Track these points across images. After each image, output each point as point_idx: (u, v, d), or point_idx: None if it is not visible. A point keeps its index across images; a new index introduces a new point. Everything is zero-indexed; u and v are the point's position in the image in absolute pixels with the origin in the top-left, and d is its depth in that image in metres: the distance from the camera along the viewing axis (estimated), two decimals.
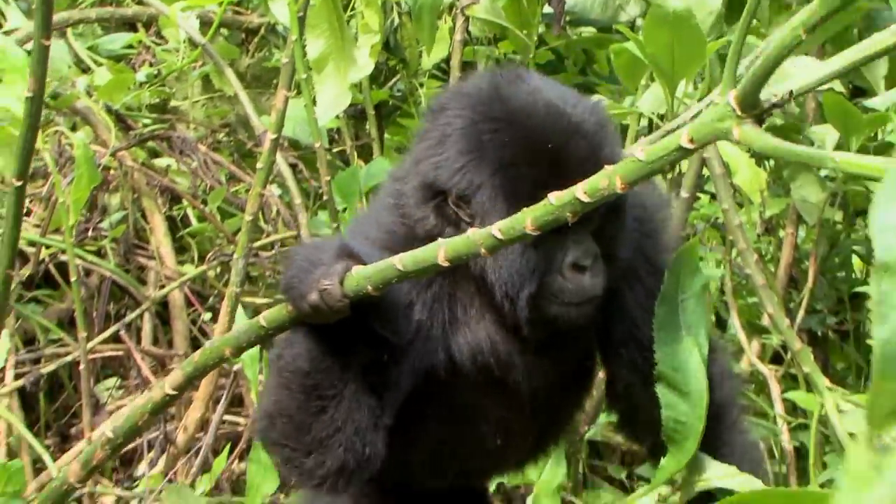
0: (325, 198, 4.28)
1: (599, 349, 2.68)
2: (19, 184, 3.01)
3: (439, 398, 2.49)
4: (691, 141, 1.82)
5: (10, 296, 4.36)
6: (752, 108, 1.78)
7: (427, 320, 2.42)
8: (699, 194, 5.09)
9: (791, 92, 1.75)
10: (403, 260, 2.15)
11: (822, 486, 4.11)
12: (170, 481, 4.33)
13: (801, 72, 1.76)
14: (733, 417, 2.76)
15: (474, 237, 2.08)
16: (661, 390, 2.56)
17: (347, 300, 2.15)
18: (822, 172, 4.65)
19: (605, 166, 2.04)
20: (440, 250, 2.11)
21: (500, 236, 2.05)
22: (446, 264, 2.11)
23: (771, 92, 1.76)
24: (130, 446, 4.72)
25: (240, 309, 3.97)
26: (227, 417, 4.63)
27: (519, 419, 2.65)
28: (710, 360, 2.61)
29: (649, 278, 2.61)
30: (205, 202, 5.06)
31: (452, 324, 2.47)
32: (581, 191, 1.94)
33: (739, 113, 1.77)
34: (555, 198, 1.98)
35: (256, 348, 3.86)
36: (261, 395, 2.48)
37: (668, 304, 2.58)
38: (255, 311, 4.73)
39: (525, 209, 2.02)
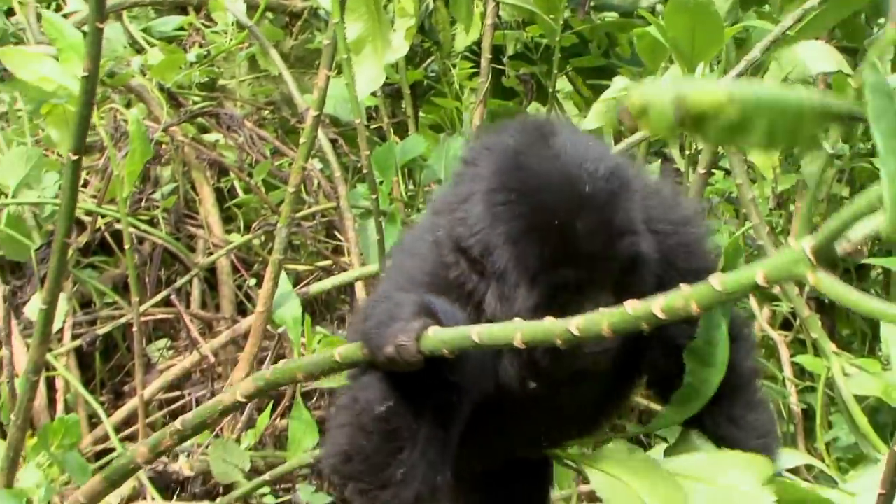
0: (363, 171, 4.31)
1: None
2: (75, 158, 3.05)
3: (484, 408, 2.46)
4: (766, 280, 1.84)
5: (68, 262, 4.45)
6: (826, 258, 1.79)
7: (482, 353, 2.37)
8: (714, 170, 5.13)
9: (864, 244, 1.79)
10: (480, 333, 2.16)
11: (827, 445, 4.18)
12: (216, 436, 4.40)
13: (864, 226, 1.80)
14: (752, 391, 2.79)
15: (551, 327, 2.09)
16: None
17: (422, 356, 2.17)
18: (830, 150, 4.69)
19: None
20: (517, 333, 2.12)
21: (576, 333, 2.05)
22: (522, 346, 2.11)
23: (842, 246, 1.78)
24: (179, 403, 4.79)
25: (283, 275, 4.01)
26: None
27: (564, 417, 2.68)
28: (737, 335, 2.65)
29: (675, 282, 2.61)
30: (250, 175, 5.10)
31: (499, 352, 2.46)
32: (658, 307, 1.95)
33: (814, 262, 1.78)
34: (632, 308, 1.99)
35: (300, 312, 3.92)
36: (331, 432, 2.49)
37: None
38: (297, 277, 4.78)
39: (600, 314, 2.02)
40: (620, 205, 2.33)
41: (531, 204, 2.29)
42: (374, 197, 4.32)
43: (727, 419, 2.70)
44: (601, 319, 2.01)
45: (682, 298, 1.93)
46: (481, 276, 2.38)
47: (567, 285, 2.28)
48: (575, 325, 2.04)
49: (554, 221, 2.29)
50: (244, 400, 2.61)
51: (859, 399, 3.96)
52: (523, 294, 2.32)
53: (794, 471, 3.85)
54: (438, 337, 2.17)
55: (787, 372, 4.53)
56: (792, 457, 3.93)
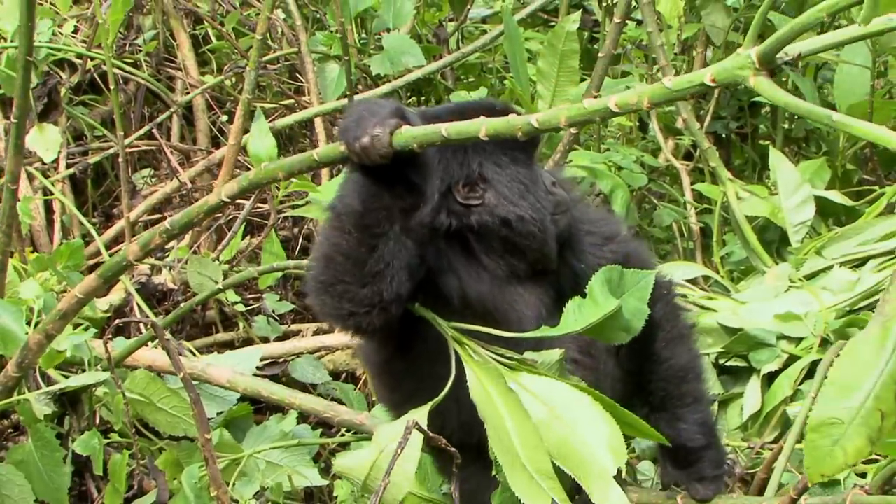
0: (322, 21, 4.24)
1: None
2: None
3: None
4: (713, 80, 1.89)
5: (61, 99, 4.41)
6: (768, 64, 1.85)
7: (443, 252, 2.48)
8: (628, 20, 5.03)
9: (800, 55, 1.85)
10: (448, 128, 2.17)
11: (721, 258, 4.14)
12: (194, 253, 4.32)
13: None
14: (668, 332, 2.70)
15: (514, 122, 2.11)
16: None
17: (392, 149, 2.18)
18: (729, 2, 4.61)
19: None
20: (482, 127, 2.14)
21: (536, 125, 2.07)
22: (486, 139, 2.14)
23: (784, 53, 1.84)
24: (162, 224, 4.72)
25: (261, 115, 3.88)
26: (241, 201, 4.61)
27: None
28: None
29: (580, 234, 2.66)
30: (222, 23, 5.02)
31: (459, 269, 2.50)
32: (613, 102, 1.97)
33: (757, 66, 1.84)
34: (588, 103, 2.01)
35: (275, 152, 3.78)
36: (314, 252, 2.43)
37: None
38: (264, 113, 4.70)
39: (559, 108, 2.06)
40: None
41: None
42: (330, 46, 4.22)
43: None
44: (558, 115, 2.04)
45: (635, 95, 1.95)
46: (460, 219, 2.50)
47: None
48: (535, 119, 2.07)
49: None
50: (228, 200, 2.54)
51: (750, 219, 3.93)
52: None
53: (693, 281, 3.83)
54: (411, 133, 2.19)
55: (688, 196, 4.49)
56: (692, 269, 3.92)
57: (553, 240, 2.54)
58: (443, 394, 2.38)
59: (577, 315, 2.37)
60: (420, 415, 2.40)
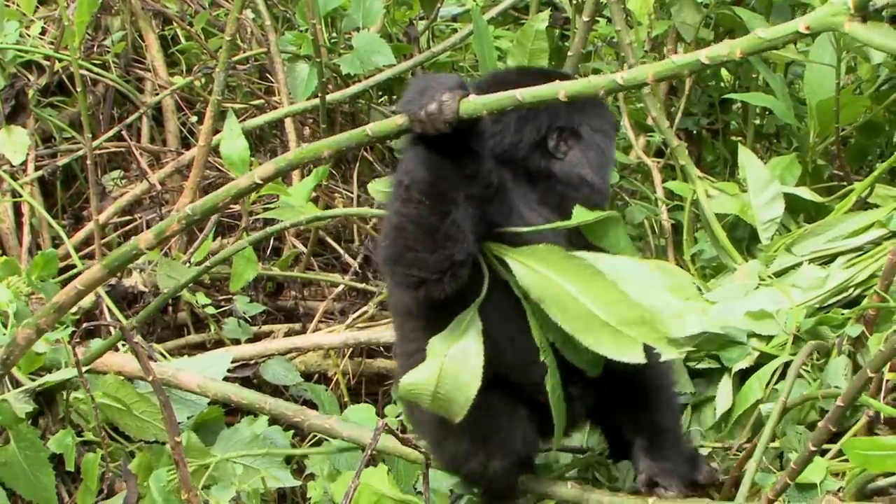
0: (290, 20, 4.23)
1: None
2: None
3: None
4: (807, 28, 1.94)
5: (30, 103, 4.36)
6: (863, 10, 1.90)
7: (503, 187, 2.52)
8: (598, 18, 5.03)
9: (888, 2, 1.94)
10: (523, 93, 2.23)
11: (693, 256, 4.15)
12: (165, 255, 4.30)
13: None
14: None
15: (595, 82, 2.16)
16: None
17: (458, 117, 2.26)
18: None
19: None
20: (561, 90, 2.18)
21: (621, 82, 2.12)
22: (565, 100, 2.19)
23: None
24: (131, 226, 4.71)
25: (234, 118, 3.87)
26: None
27: None
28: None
29: None
30: (191, 24, 5.01)
31: (514, 204, 2.58)
32: (704, 55, 2.02)
33: (853, 11, 1.89)
34: (678, 58, 2.06)
35: (247, 154, 3.72)
36: (385, 222, 2.48)
37: None
38: (236, 113, 4.70)
39: (646, 65, 2.12)
40: None
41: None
42: (300, 45, 4.20)
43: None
44: (645, 71, 2.10)
45: (727, 47, 2.01)
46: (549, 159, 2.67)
47: None
48: (620, 76, 2.13)
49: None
50: (261, 182, 2.53)
51: (720, 217, 3.94)
52: None
53: None
54: (480, 101, 2.26)
55: (660, 193, 4.49)
56: None
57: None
58: (482, 294, 2.50)
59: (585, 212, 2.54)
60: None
